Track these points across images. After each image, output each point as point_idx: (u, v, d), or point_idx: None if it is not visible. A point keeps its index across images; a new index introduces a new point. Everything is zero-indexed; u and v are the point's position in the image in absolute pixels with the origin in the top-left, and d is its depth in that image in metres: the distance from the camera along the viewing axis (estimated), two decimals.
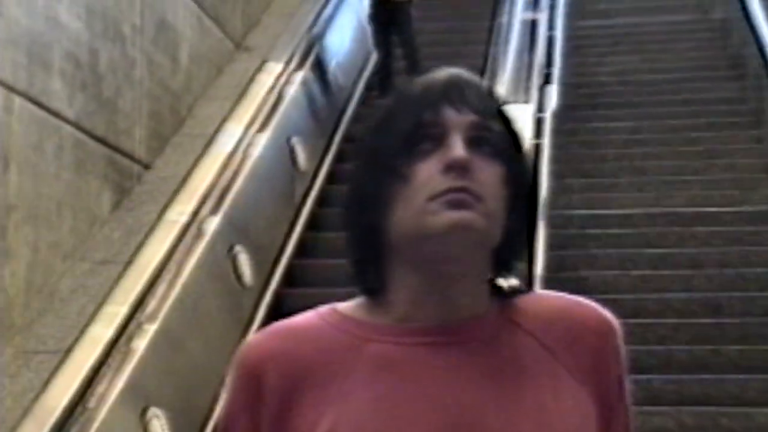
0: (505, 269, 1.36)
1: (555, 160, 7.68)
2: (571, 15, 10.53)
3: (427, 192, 1.28)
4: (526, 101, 7.31)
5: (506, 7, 8.94)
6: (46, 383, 4.29)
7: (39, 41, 5.17)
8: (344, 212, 1.36)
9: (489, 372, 1.32)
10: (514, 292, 1.37)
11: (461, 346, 1.32)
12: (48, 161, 5.15)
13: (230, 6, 7.92)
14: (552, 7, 9.60)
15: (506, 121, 1.36)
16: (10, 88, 4.89)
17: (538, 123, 7.23)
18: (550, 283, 6.30)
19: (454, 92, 1.32)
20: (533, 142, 6.80)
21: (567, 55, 9.51)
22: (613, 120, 8.75)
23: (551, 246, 6.67)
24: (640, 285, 6.56)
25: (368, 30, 9.10)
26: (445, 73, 1.36)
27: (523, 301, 1.38)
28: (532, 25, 8.62)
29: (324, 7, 8.25)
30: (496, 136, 1.33)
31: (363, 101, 8.75)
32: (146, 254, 4.90)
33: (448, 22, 10.04)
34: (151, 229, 5.11)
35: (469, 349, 1.32)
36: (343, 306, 1.38)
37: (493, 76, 7.65)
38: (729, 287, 6.44)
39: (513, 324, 1.36)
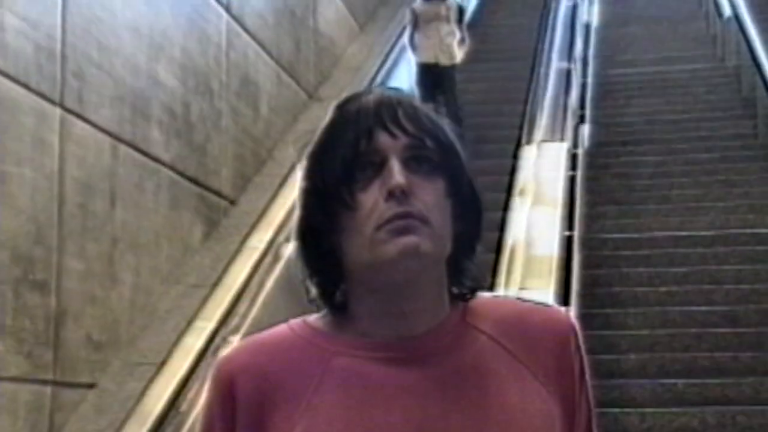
0: (460, 274, 1.24)
1: (589, 190, 7.58)
2: (602, 64, 10.45)
3: (374, 221, 1.17)
4: (562, 139, 7.24)
5: (543, 59, 8.87)
6: (146, 390, 4.30)
7: (141, 97, 5.21)
8: (298, 240, 1.23)
9: (452, 380, 1.20)
10: (472, 294, 1.25)
11: (423, 358, 1.20)
12: (148, 199, 5.18)
13: (304, 63, 7.95)
14: (584, 59, 9.53)
15: (440, 135, 1.23)
16: (117, 138, 4.92)
17: (573, 158, 7.15)
18: (585, 298, 6.20)
19: (386, 116, 1.20)
20: (569, 174, 6.72)
21: (598, 99, 9.43)
22: (641, 155, 8.64)
23: (587, 266, 6.57)
24: (667, 299, 6.45)
25: (415, 92, 8.92)
26: (375, 96, 1.23)
27: (484, 306, 1.26)
28: (567, 74, 8.55)
29: (384, 61, 8.26)
30: (432, 151, 1.21)
31: None
32: (231, 277, 4.90)
33: (490, 82, 9.84)
34: (235, 256, 5.11)
35: (431, 360, 1.21)
36: (313, 319, 1.26)
37: (533, 118, 7.61)
38: (745, 301, 6.31)
39: (475, 329, 1.24)
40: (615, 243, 7.19)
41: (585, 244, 6.73)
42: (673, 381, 5.50)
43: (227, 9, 6.44)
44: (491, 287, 5.12)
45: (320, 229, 1.21)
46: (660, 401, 5.34)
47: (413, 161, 1.20)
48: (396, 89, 1.27)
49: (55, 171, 4.38)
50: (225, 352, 1.29)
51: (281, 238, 5.51)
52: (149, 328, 4.94)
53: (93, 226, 4.62)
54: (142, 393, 4.26)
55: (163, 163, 5.37)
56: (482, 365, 1.22)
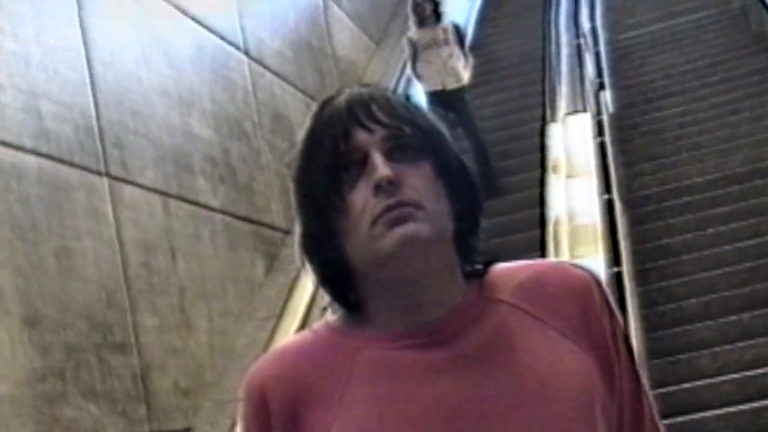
0: (469, 251, 1.18)
1: (622, 152, 7.47)
2: (611, 31, 10.31)
3: (367, 218, 1.12)
4: (585, 109, 7.13)
5: (552, 38, 8.75)
6: (236, 425, 4.29)
7: (181, 152, 5.24)
8: (301, 250, 1.18)
9: (479, 354, 1.14)
10: (486, 269, 1.19)
11: (446, 339, 1.15)
12: (206, 246, 5.19)
13: (329, 89, 7.91)
14: (593, 29, 9.40)
15: (419, 120, 1.16)
16: (166, 194, 4.95)
17: (599, 124, 7.04)
18: (637, 255, 6.10)
19: (360, 113, 1.14)
20: (597, 140, 6.62)
21: (615, 64, 9.29)
22: (666, 108, 8.49)
23: (633, 223, 6.47)
24: (716, 240, 6.31)
25: None
26: (346, 96, 1.17)
27: (500, 276, 1.19)
28: (578, 48, 8.44)
29: (403, 71, 8.22)
30: (413, 137, 1.15)
31: None
32: (295, 302, 4.90)
33: (507, 92, 9.30)
34: (296, 282, 5.10)
35: (455, 339, 1.15)
36: (334, 319, 1.21)
37: (552, 97, 7.51)
38: None
39: (494, 301, 1.18)
40: (656, 197, 7.07)
41: (628, 203, 6.63)
42: (736, 317, 5.38)
43: (246, 53, 6.46)
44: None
45: (321, 237, 1.16)
46: (728, 338, 5.22)
47: (396, 151, 1.15)
48: (367, 85, 1.21)
49: (114, 237, 4.42)
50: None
51: None
52: (231, 366, 4.94)
53: (159, 282, 4.64)
54: (232, 428, 4.26)
55: (214, 209, 5.39)
56: (508, 334, 1.16)
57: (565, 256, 4.85)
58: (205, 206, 5.31)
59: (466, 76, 7.47)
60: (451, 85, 7.42)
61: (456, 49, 7.54)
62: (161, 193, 4.91)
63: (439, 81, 7.45)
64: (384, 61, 8.93)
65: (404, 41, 7.85)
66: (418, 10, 7.65)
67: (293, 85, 7.13)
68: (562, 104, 7.18)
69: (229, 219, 5.52)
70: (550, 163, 6.24)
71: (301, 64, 7.46)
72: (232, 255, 5.43)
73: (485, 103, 8.80)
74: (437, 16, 7.65)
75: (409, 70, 7.83)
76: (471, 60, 7.58)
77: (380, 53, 9.36)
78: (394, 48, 9.00)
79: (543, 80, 8.26)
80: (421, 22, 7.63)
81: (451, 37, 7.56)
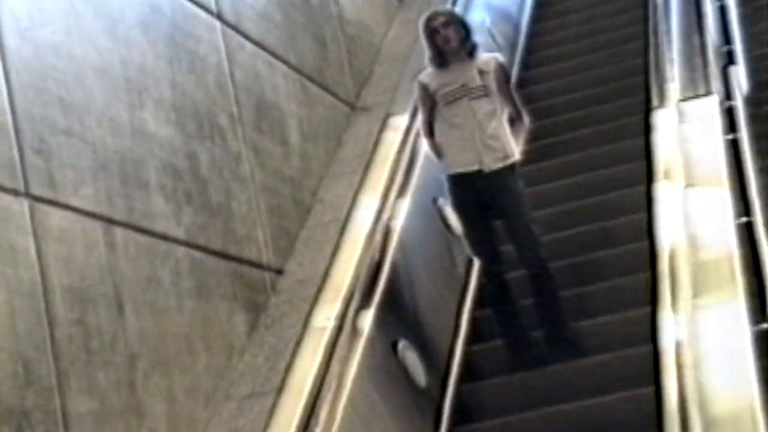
0: None
1: (760, 152, 7.47)
2: None
3: None
4: (708, 93, 7.16)
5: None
6: None
7: (130, 159, 5.28)
8: None
9: None
10: None
11: None
12: (166, 293, 5.23)
13: (335, 65, 8.00)
14: None
15: None
16: (109, 220, 4.99)
17: (729, 114, 7.05)
18: None
19: None
20: (728, 137, 6.64)
21: (748, 24, 9.31)
22: None
23: None
24: None
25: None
26: None
27: None
28: (696, 2, 8.50)
29: None
30: None
31: None
32: (298, 374, 4.92)
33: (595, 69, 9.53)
34: (298, 344, 5.12)
35: None
36: None
37: (660, 72, 7.54)
38: None
39: None
40: None
41: None
42: None
43: (219, 17, 6.52)
44: (652, 315, 5.10)
45: None
46: None
47: None
48: None
49: (37, 283, 4.45)
50: None
51: (354, 306, 5.53)
52: None
53: (100, 347, 4.67)
54: None
55: (177, 241, 5.43)
56: None
57: (686, 305, 4.87)
58: (165, 236, 5.35)
59: (516, 148, 6.36)
60: (492, 163, 6.27)
61: (498, 101, 6.36)
62: (103, 219, 4.96)
63: (472, 158, 6.28)
64: (411, 25, 8.96)
65: (415, 86, 6.58)
66: (437, 40, 6.38)
67: (284, 60, 7.20)
68: (675, 84, 7.22)
69: (197, 254, 5.56)
70: (659, 168, 6.25)
71: (294, 30, 7.53)
72: (202, 306, 5.47)
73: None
74: (470, 49, 6.42)
75: (420, 125, 6.66)
76: (526, 119, 6.44)
77: (404, 13, 9.43)
78: (425, 5, 9.07)
79: (645, 49, 8.30)
80: (443, 61, 6.40)
81: (494, 82, 6.36)
